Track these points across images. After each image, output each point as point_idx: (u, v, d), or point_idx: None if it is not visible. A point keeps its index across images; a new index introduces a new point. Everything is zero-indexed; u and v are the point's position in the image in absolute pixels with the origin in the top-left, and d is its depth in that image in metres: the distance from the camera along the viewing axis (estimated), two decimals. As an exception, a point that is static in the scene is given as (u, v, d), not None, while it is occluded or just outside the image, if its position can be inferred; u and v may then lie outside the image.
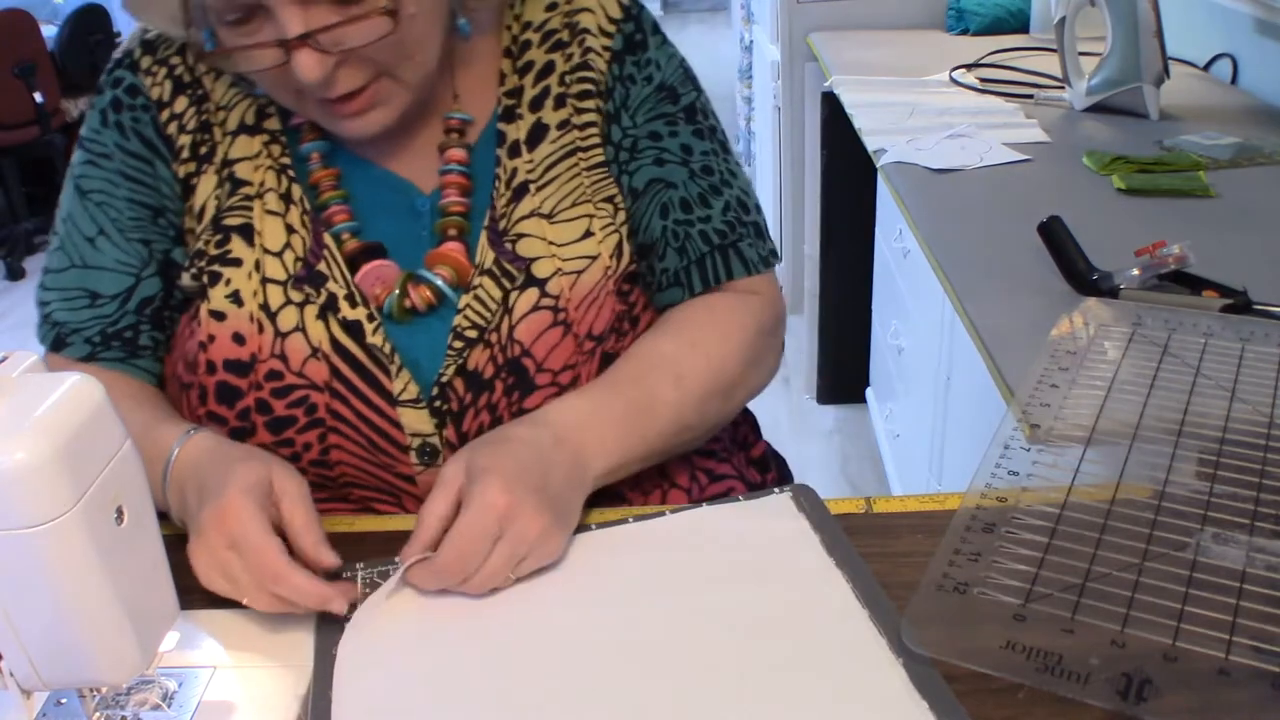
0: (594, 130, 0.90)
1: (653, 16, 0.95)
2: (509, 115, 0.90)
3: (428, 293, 0.85)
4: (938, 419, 1.78)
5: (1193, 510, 0.71)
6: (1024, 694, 0.61)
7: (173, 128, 0.88)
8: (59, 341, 0.88)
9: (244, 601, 0.70)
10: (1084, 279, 1.10)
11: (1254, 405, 0.81)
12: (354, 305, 0.84)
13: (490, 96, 0.91)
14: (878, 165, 1.68)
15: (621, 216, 0.90)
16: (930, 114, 1.88)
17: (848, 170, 2.47)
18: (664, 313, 0.92)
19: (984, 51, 2.28)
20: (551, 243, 0.86)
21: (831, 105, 2.38)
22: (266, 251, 0.85)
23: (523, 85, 0.90)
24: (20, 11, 4.18)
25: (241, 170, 0.87)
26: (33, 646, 0.55)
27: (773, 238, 0.95)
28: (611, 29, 0.91)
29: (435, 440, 0.84)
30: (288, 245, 0.85)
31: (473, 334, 0.84)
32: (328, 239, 0.86)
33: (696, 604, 0.70)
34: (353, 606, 0.71)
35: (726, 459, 0.97)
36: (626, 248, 0.89)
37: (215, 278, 0.85)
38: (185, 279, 0.87)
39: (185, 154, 0.88)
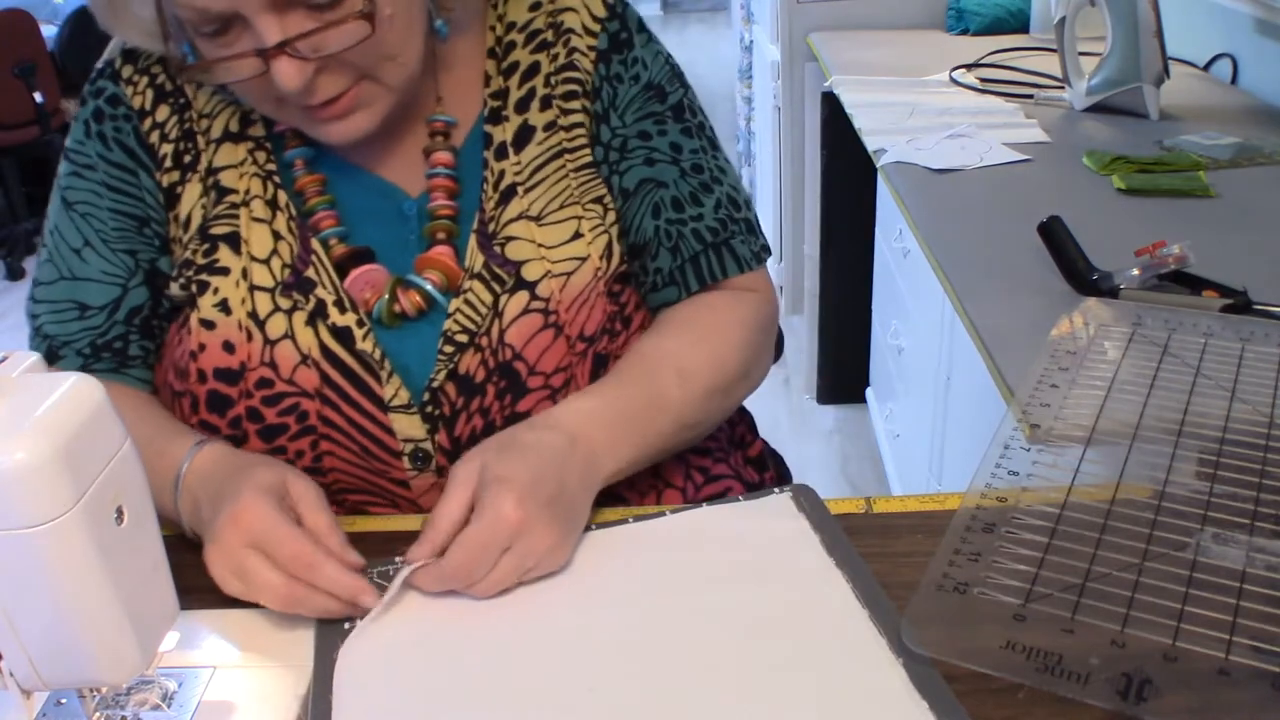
0: (581, 131, 0.90)
1: (638, 14, 0.95)
2: (495, 117, 0.89)
3: (417, 297, 0.84)
4: (938, 419, 1.78)
5: (1193, 510, 0.71)
6: (1024, 694, 0.61)
7: (155, 137, 0.88)
8: (51, 354, 0.87)
9: (260, 601, 0.69)
10: (1084, 279, 1.10)
11: (1254, 405, 0.81)
12: (343, 311, 0.83)
13: (475, 98, 0.90)
14: (878, 165, 1.68)
15: (611, 217, 0.90)
16: (930, 114, 1.87)
17: (848, 170, 2.47)
18: (658, 312, 0.92)
19: (984, 51, 2.28)
20: (540, 245, 0.86)
21: (831, 105, 2.38)
22: (254, 259, 0.84)
23: (508, 87, 0.90)
24: (20, 11, 4.18)
25: (227, 178, 0.87)
26: (33, 646, 0.55)
27: (765, 234, 0.95)
28: (596, 28, 0.91)
29: (428, 445, 0.84)
30: (275, 252, 0.85)
31: (463, 338, 0.84)
32: (315, 245, 0.85)
33: (697, 604, 0.70)
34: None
35: (723, 458, 0.97)
36: (616, 248, 0.89)
37: (203, 287, 0.84)
38: (174, 288, 0.86)
39: (168, 163, 0.88)
